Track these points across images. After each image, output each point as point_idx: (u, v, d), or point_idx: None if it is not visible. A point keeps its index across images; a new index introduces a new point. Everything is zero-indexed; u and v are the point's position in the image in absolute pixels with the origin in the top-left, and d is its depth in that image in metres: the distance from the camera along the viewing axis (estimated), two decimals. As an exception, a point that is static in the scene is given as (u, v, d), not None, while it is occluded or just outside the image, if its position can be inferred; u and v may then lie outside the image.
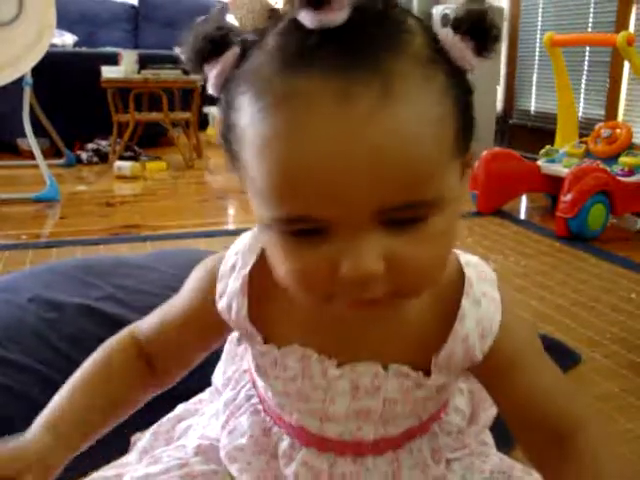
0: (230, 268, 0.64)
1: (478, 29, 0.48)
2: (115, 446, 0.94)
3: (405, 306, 0.59)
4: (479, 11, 0.48)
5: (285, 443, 0.68)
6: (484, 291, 0.61)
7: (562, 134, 2.90)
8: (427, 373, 0.62)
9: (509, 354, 0.62)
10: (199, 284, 0.68)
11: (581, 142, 2.77)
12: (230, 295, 0.63)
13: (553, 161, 2.75)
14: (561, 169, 2.65)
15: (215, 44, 0.48)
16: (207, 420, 0.79)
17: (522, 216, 2.79)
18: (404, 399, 0.63)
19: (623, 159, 2.52)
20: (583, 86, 3.67)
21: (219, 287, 0.65)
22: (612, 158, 2.57)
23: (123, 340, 0.72)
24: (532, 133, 4.22)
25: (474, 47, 0.48)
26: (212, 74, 0.49)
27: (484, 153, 2.69)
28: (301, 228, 0.47)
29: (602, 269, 2.03)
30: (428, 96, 0.45)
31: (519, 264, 2.08)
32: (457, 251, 0.64)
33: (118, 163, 3.37)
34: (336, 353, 0.62)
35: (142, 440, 0.83)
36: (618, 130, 2.62)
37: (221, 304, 0.64)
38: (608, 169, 2.49)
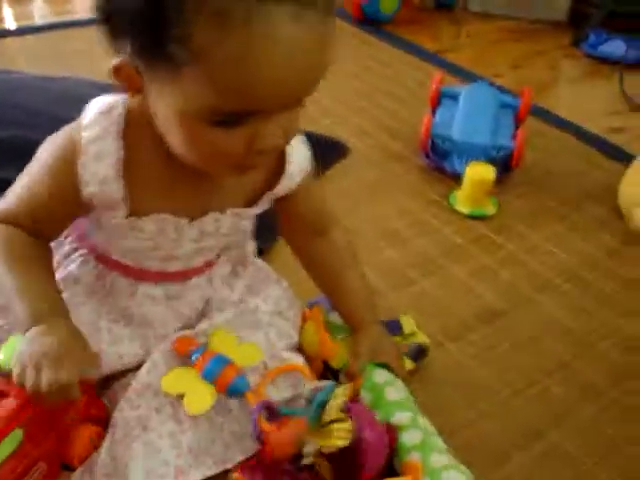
0: (94, 156, 0.67)
1: None
2: None
3: None
4: None
5: (123, 282, 0.82)
6: (299, 140, 0.80)
7: None
8: (251, 205, 0.80)
9: (304, 184, 0.83)
10: (59, 175, 0.70)
11: None
12: (102, 182, 0.68)
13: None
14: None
15: None
16: None
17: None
18: (235, 231, 0.82)
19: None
20: None
21: (85, 176, 0.68)
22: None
23: (12, 232, 0.73)
24: None
25: None
26: None
27: None
28: (228, 119, 0.58)
29: (390, 55, 2.17)
30: (333, 15, 0.58)
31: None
32: None
33: None
34: (189, 213, 0.75)
35: None
36: None
37: (90, 190, 0.69)
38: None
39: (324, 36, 0.57)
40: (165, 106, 0.60)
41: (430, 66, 2.09)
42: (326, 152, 1.51)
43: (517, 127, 1.51)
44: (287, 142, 0.65)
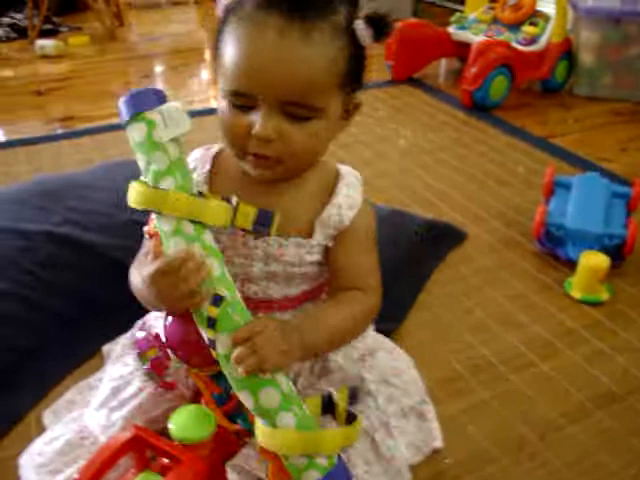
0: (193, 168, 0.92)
1: (378, 26, 0.82)
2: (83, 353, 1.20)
3: (298, 191, 0.90)
4: (381, 15, 0.82)
5: None
6: (352, 181, 0.93)
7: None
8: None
9: (354, 231, 0.92)
10: None
11: (490, 8, 2.92)
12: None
13: (463, 28, 2.91)
14: (470, 36, 2.83)
15: None
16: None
17: (435, 82, 2.97)
18: (300, 262, 0.92)
19: (526, 28, 2.71)
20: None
21: None
22: (517, 26, 2.76)
23: None
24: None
25: (372, 34, 0.82)
26: (222, 3, 0.82)
27: (397, 25, 2.83)
28: (237, 102, 0.80)
29: (499, 141, 2.30)
30: (329, 46, 0.78)
31: (425, 139, 2.32)
32: (338, 164, 0.96)
33: (40, 42, 3.34)
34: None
35: (115, 351, 1.08)
36: (523, -2, 2.78)
37: None
38: (512, 37, 2.70)
39: (303, 48, 0.76)
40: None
41: (539, 151, 2.20)
42: (444, 237, 1.64)
43: (629, 216, 1.59)
44: (290, 152, 0.81)
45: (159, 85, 3.13)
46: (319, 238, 0.90)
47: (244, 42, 0.78)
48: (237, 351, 0.75)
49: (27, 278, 1.25)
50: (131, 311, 1.19)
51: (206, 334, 0.78)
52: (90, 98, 2.78)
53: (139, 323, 1.09)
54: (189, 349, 0.85)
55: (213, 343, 0.78)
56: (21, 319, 1.21)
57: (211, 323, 0.77)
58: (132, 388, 0.97)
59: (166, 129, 0.78)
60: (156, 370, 0.89)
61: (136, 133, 0.78)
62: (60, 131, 2.44)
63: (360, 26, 0.81)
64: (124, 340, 1.09)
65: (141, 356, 0.90)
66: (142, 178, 0.80)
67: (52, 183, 1.51)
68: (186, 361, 0.87)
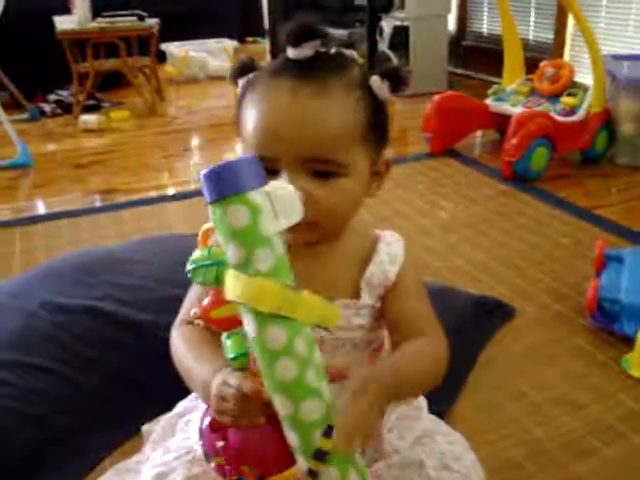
0: None
1: (394, 79, 0.82)
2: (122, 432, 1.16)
3: (336, 254, 0.88)
4: (395, 68, 0.83)
5: None
6: (392, 240, 0.92)
7: (509, 71, 3.03)
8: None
9: (402, 282, 0.89)
10: None
11: (527, 79, 2.93)
12: None
13: (501, 100, 2.92)
14: (508, 107, 2.83)
15: (246, 69, 0.85)
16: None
17: (473, 154, 2.96)
18: (347, 325, 0.87)
19: (564, 99, 2.70)
20: (533, 9, 3.86)
21: None
22: (555, 97, 2.75)
23: (185, 329, 0.89)
24: (485, 54, 4.34)
25: (389, 88, 0.82)
26: (240, 83, 0.85)
27: (435, 97, 2.85)
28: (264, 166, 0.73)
29: (541, 212, 2.25)
30: (345, 97, 0.78)
31: (466, 211, 2.28)
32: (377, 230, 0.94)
33: (83, 117, 3.44)
34: None
35: (153, 434, 1.03)
36: (561, 70, 2.78)
37: None
38: (551, 108, 2.68)
39: (317, 101, 0.76)
40: None
41: (584, 223, 2.14)
42: (493, 314, 1.58)
43: (686, 290, 1.52)
44: (322, 213, 0.78)
45: (197, 157, 3.17)
46: (367, 299, 0.88)
47: (260, 106, 0.79)
48: None
49: (64, 354, 1.22)
50: (171, 389, 1.15)
51: (306, 463, 0.65)
52: (130, 171, 2.82)
53: (182, 404, 1.04)
54: (266, 464, 0.70)
55: (314, 475, 0.64)
56: (57, 396, 1.17)
57: (320, 456, 0.63)
58: (178, 476, 0.90)
59: (275, 220, 0.62)
60: (221, 473, 0.74)
61: (234, 219, 0.61)
62: (99, 204, 2.47)
63: (376, 81, 0.82)
64: (164, 422, 1.04)
65: (206, 455, 0.76)
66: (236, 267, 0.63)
67: (93, 257, 1.50)
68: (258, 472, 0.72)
